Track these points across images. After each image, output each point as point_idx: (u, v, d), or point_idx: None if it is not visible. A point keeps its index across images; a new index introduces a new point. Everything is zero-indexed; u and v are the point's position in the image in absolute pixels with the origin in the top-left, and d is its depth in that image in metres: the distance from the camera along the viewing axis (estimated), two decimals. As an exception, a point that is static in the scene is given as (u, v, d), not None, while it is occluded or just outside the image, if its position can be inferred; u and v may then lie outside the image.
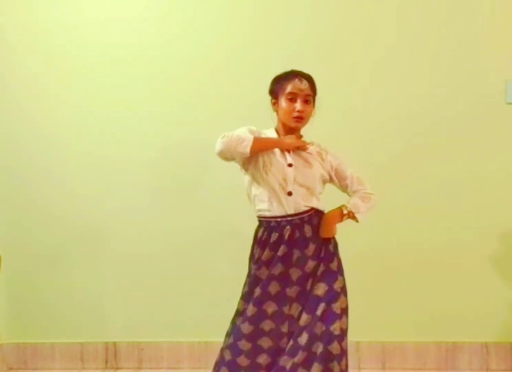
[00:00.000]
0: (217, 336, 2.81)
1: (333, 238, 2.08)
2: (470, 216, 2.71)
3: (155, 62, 2.75)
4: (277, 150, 2.05)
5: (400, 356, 2.74)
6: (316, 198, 2.06)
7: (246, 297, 2.08)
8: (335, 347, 1.93)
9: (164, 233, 2.80)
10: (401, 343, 2.74)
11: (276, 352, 2.02)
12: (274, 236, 2.02)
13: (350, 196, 2.11)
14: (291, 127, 2.07)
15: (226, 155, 1.99)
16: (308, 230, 2.02)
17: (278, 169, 2.02)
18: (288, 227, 2.01)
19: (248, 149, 1.95)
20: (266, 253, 2.03)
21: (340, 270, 2.06)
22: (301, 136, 2.11)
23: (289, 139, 2.04)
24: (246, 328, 2.04)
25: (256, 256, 2.08)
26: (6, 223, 2.83)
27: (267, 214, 2.04)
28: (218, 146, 1.97)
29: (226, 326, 2.79)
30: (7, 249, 2.69)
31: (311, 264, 2.02)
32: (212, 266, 2.79)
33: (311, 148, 2.08)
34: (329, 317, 1.96)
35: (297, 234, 2.01)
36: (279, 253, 2.00)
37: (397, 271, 2.74)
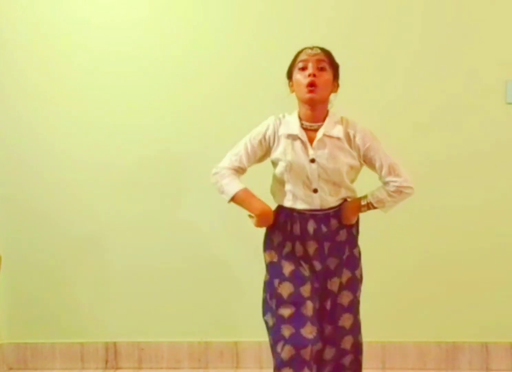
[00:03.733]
0: (217, 336, 2.82)
1: (356, 224, 2.03)
2: (469, 215, 2.71)
3: (155, 65, 2.74)
4: (298, 144, 1.90)
5: (400, 356, 2.74)
6: (346, 188, 1.95)
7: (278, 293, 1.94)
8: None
9: (164, 233, 2.80)
10: (401, 343, 2.74)
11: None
12: (296, 227, 1.94)
13: (383, 183, 1.95)
14: (310, 102, 1.88)
15: (215, 186, 2.01)
16: (334, 224, 1.95)
17: (300, 167, 1.90)
18: (311, 220, 1.93)
19: (227, 199, 1.96)
20: (298, 247, 1.95)
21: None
22: (326, 113, 1.93)
23: (257, 218, 1.94)
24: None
25: (278, 246, 1.97)
26: (6, 223, 2.83)
27: (290, 205, 1.95)
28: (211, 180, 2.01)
29: (226, 326, 2.81)
30: (7, 249, 2.69)
31: (346, 249, 1.98)
32: (212, 266, 2.79)
33: (337, 131, 1.90)
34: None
35: (323, 228, 1.94)
36: (310, 248, 1.94)
37: (397, 271, 2.74)
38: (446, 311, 2.74)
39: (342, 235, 1.98)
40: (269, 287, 1.98)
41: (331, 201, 1.94)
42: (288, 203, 1.96)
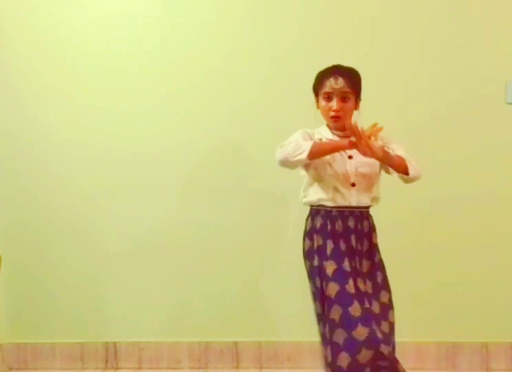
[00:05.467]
0: (217, 336, 2.82)
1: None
2: (469, 215, 2.71)
3: (162, 57, 2.74)
4: None
5: (400, 356, 2.73)
6: (376, 187, 2.09)
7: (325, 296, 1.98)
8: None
9: (164, 233, 2.80)
10: (401, 343, 2.73)
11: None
12: (338, 225, 2.02)
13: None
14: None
15: (286, 165, 2.01)
16: (367, 224, 2.07)
17: (340, 163, 2.02)
18: (351, 217, 2.03)
19: (304, 156, 1.93)
20: (342, 245, 2.01)
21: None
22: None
23: (347, 142, 1.93)
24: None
25: (320, 249, 2.03)
26: (6, 223, 2.83)
27: (329, 203, 2.03)
28: (277, 157, 1.99)
29: (226, 326, 2.81)
30: (7, 249, 2.69)
31: (377, 255, 2.10)
32: (212, 266, 2.79)
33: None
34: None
35: (359, 226, 2.04)
36: (352, 242, 2.02)
37: (396, 271, 2.74)
38: (446, 311, 2.74)
39: (375, 238, 2.11)
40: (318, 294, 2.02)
41: (366, 197, 2.05)
42: (329, 196, 2.03)
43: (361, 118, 2.07)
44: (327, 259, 2.00)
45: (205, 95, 2.74)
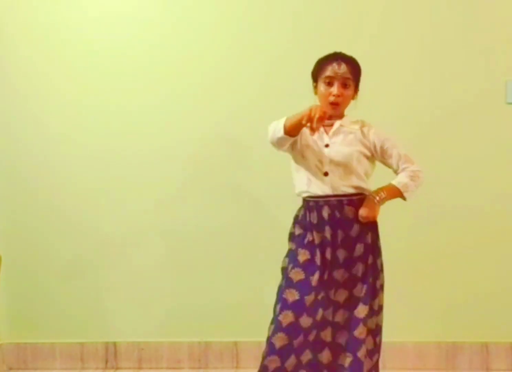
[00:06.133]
0: (217, 336, 2.82)
1: (375, 225, 2.08)
2: (469, 215, 2.71)
3: (161, 56, 2.75)
4: (316, 134, 1.98)
5: (400, 356, 2.74)
6: (357, 176, 2.02)
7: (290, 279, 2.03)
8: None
9: (164, 233, 2.80)
10: (401, 343, 2.74)
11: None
12: (313, 216, 2.02)
13: (396, 174, 2.07)
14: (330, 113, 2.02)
15: (275, 146, 2.03)
16: (348, 211, 2.01)
17: (314, 151, 2.02)
18: (326, 207, 2.01)
19: (282, 133, 1.95)
20: (316, 235, 2.01)
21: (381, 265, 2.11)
22: (343, 116, 2.08)
23: (313, 108, 1.89)
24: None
25: (299, 237, 2.06)
26: (7, 223, 2.83)
27: (305, 194, 2.05)
28: (268, 136, 2.02)
29: (226, 326, 2.81)
30: (7, 249, 2.70)
31: (358, 247, 2.02)
32: (212, 266, 2.79)
33: (354, 125, 2.04)
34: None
35: (338, 215, 2.01)
36: (326, 234, 2.00)
37: (396, 271, 2.74)
38: (446, 311, 2.74)
39: (355, 230, 2.03)
40: (284, 272, 2.08)
41: (342, 185, 2.01)
42: (304, 187, 2.05)
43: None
44: (302, 247, 2.04)
45: (204, 95, 2.74)
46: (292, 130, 1.96)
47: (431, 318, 2.75)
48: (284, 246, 2.72)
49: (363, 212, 2.00)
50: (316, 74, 2.06)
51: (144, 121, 2.77)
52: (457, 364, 2.76)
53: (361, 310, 2.02)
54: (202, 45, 2.73)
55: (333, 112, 2.02)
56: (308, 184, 2.03)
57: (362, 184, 2.04)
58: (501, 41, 2.66)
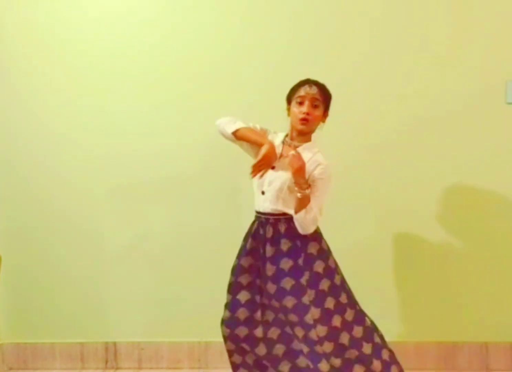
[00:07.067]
0: (217, 336, 2.81)
1: (315, 238, 2.16)
2: (468, 215, 2.71)
3: (159, 57, 2.74)
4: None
5: (400, 356, 2.74)
6: (283, 200, 2.14)
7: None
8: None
9: (164, 232, 2.80)
10: (401, 343, 2.74)
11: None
12: (250, 228, 2.24)
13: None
14: (299, 131, 2.16)
15: (219, 131, 2.20)
16: (271, 230, 2.17)
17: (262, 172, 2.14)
18: (257, 222, 2.22)
19: (230, 130, 2.15)
20: (249, 245, 2.22)
21: (325, 272, 2.15)
22: (309, 140, 2.18)
23: (266, 150, 2.08)
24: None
25: (242, 247, 2.28)
26: (6, 223, 2.83)
27: (255, 204, 2.24)
28: (218, 122, 2.22)
29: (226, 326, 2.80)
30: (7, 249, 2.70)
31: (285, 261, 2.14)
32: (212, 266, 2.79)
33: (305, 155, 2.11)
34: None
35: (263, 231, 2.18)
36: (250, 245, 2.22)
37: (396, 271, 2.74)
38: (446, 311, 2.74)
39: (284, 244, 2.16)
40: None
41: (272, 205, 2.16)
42: (255, 203, 2.24)
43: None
44: (239, 257, 2.26)
45: (205, 96, 2.73)
46: (241, 139, 2.17)
47: (431, 318, 2.75)
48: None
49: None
50: (289, 97, 2.21)
51: (144, 121, 2.76)
52: (457, 364, 2.77)
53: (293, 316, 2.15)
54: (202, 45, 2.73)
55: (303, 128, 2.14)
56: (255, 199, 2.23)
57: (286, 209, 2.14)
58: (501, 41, 2.66)
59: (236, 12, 2.72)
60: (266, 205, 2.16)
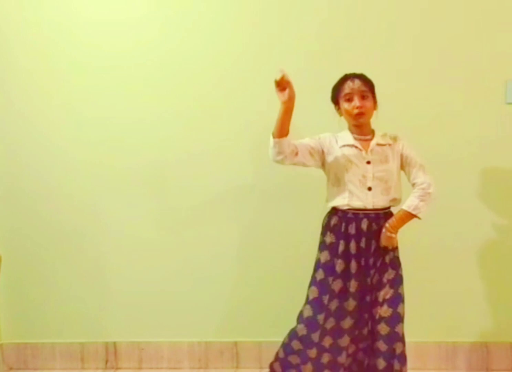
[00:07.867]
0: (217, 336, 2.83)
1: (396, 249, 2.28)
2: (468, 215, 2.71)
3: (156, 66, 2.73)
4: (354, 150, 2.19)
5: (400, 356, 2.74)
6: (394, 188, 2.22)
7: (323, 286, 2.23)
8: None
9: (164, 232, 2.80)
10: (401, 343, 2.74)
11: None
12: (352, 227, 2.19)
13: (411, 185, 2.24)
14: (359, 126, 2.21)
15: (275, 160, 2.16)
16: (383, 223, 2.21)
17: (358, 167, 2.18)
18: (365, 220, 2.18)
19: (271, 140, 2.11)
20: (352, 245, 2.19)
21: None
22: (373, 131, 2.25)
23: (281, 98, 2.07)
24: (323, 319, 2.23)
25: (331, 246, 2.23)
26: (6, 223, 2.83)
27: (345, 207, 2.21)
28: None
29: (226, 326, 2.81)
30: (7, 249, 2.70)
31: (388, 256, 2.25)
32: (212, 266, 2.79)
33: (386, 140, 2.23)
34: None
35: (374, 227, 2.19)
36: (362, 244, 2.19)
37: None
38: (446, 311, 2.74)
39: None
40: (321, 284, 2.24)
41: (382, 199, 2.20)
42: (344, 200, 2.20)
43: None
44: (338, 257, 2.20)
45: (208, 102, 2.72)
46: (279, 130, 2.10)
47: (431, 318, 2.75)
48: (284, 247, 2.75)
49: (382, 242, 2.20)
50: (335, 98, 2.23)
51: (146, 127, 2.75)
52: (457, 364, 2.77)
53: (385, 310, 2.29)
54: (202, 48, 2.72)
55: (362, 122, 2.19)
56: (350, 197, 2.19)
57: (397, 196, 2.24)
58: (501, 41, 2.66)
59: (246, 19, 2.69)
60: (376, 200, 2.20)
